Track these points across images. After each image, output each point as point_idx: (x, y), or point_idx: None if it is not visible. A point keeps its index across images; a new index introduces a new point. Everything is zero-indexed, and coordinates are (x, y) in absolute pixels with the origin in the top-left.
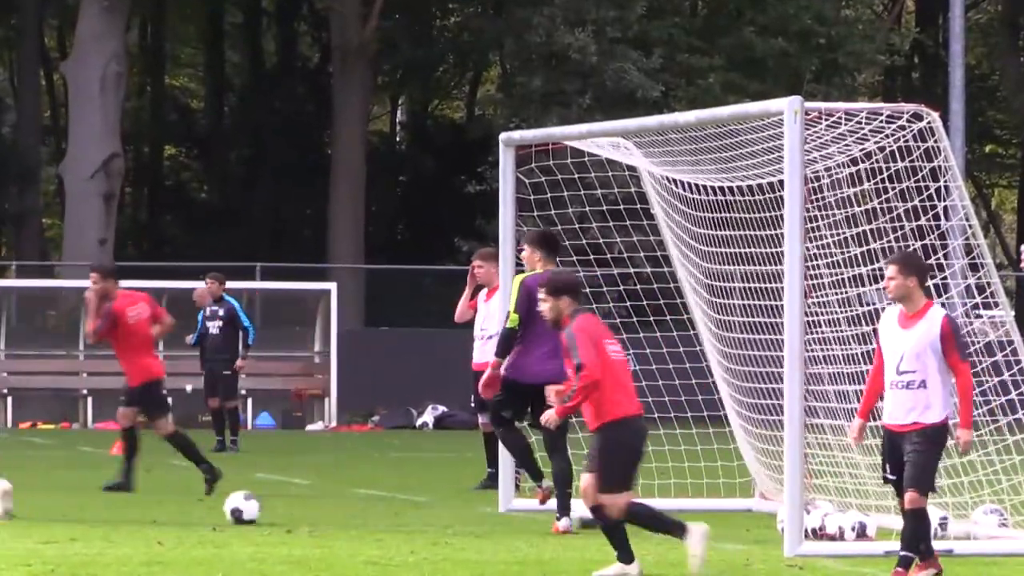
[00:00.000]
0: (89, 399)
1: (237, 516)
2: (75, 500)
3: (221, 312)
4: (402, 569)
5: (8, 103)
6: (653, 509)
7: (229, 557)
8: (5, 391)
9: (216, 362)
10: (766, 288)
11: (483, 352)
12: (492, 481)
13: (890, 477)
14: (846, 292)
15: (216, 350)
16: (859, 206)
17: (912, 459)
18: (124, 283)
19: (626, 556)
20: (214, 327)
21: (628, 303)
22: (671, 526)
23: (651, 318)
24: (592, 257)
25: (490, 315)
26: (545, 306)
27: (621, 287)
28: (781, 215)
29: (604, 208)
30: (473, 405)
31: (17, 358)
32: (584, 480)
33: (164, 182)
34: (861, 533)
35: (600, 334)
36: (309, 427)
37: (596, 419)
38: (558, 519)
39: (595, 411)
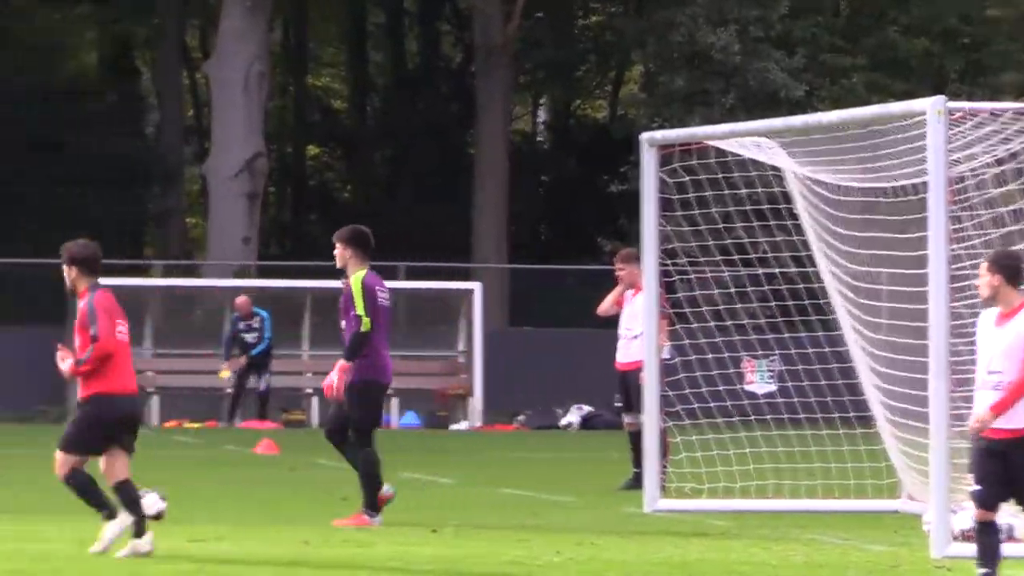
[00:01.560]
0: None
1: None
2: (221, 499)
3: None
4: (547, 569)
5: (151, 103)
6: (89, 485)
7: (373, 556)
8: (151, 390)
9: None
10: (912, 289)
11: (627, 351)
12: (637, 481)
13: (974, 487)
14: None
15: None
16: (1005, 206)
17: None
18: (268, 283)
19: (108, 513)
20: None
21: (773, 303)
22: (100, 504)
23: (796, 318)
24: (736, 257)
25: (634, 314)
26: (64, 273)
27: (766, 287)
28: (926, 216)
29: (748, 208)
30: (618, 405)
31: (163, 357)
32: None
33: (307, 182)
34: (1009, 535)
35: (116, 312)
36: (453, 427)
37: (88, 388)
38: (370, 516)
39: (91, 381)
